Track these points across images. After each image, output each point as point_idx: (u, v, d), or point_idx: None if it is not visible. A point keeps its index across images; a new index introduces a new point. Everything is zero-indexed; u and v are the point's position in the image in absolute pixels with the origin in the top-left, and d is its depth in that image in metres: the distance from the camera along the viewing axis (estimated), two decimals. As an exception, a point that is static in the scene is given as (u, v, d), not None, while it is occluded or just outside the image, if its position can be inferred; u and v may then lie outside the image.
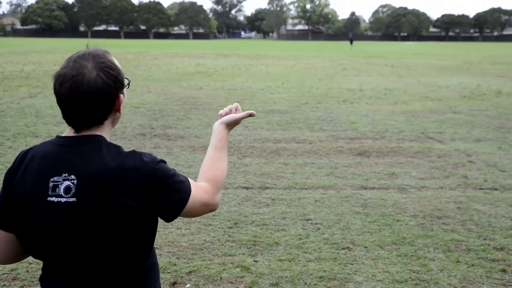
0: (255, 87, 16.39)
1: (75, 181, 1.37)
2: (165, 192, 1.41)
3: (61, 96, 1.39)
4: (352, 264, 3.98)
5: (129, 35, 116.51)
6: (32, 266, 3.82)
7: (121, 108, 1.48)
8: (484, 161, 7.25)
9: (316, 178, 6.30)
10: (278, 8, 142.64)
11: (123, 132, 8.84)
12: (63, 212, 1.37)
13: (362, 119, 10.63)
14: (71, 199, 1.36)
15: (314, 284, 3.67)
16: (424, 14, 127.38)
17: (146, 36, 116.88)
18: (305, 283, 3.67)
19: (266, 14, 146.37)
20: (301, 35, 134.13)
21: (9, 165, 1.67)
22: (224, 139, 1.69)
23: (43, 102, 12.06)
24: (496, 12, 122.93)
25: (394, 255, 4.14)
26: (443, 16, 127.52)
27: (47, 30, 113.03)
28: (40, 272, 3.91)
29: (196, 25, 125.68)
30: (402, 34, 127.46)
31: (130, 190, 1.36)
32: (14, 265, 3.76)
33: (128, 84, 1.52)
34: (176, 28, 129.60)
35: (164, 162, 1.46)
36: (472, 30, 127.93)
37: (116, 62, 1.47)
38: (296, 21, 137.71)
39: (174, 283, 3.65)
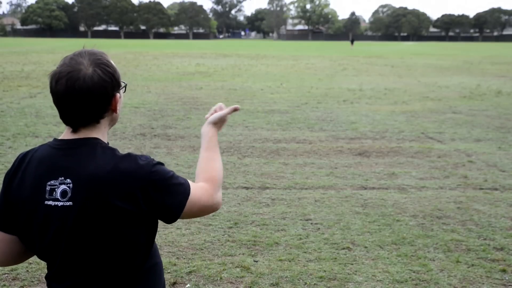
0: (255, 87, 16.39)
1: (71, 185, 1.36)
2: (161, 195, 1.39)
3: (58, 93, 1.38)
4: (352, 264, 3.98)
5: (129, 35, 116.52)
6: (32, 266, 3.81)
7: (118, 108, 1.47)
8: (484, 161, 7.25)
9: (316, 178, 6.30)
10: (278, 8, 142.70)
11: (123, 132, 8.83)
12: (60, 216, 1.37)
13: (362, 119, 10.63)
14: (68, 203, 1.36)
15: (314, 284, 3.67)
16: (424, 14, 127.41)
17: (146, 36, 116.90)
18: (305, 283, 3.67)
19: (266, 14, 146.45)
20: (301, 35, 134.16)
21: (9, 165, 1.68)
22: (213, 139, 1.67)
23: (43, 102, 12.06)
24: (496, 12, 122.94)
25: (394, 255, 4.14)
26: (443, 16, 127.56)
27: (47, 30, 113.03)
28: (40, 272, 3.92)
29: (196, 25, 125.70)
30: (402, 34, 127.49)
31: (125, 193, 1.35)
32: (14, 265, 3.76)
33: (125, 87, 1.51)
34: (176, 28, 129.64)
35: (162, 164, 1.44)
36: (472, 30, 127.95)
37: (112, 62, 1.47)
38: (296, 21, 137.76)
39: (174, 283, 3.65)
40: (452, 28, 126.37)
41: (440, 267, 3.94)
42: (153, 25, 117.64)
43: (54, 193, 1.37)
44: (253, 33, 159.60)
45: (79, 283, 1.41)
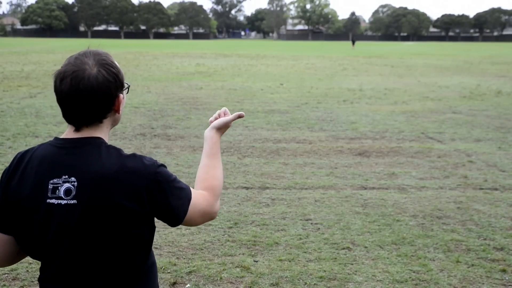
0: (255, 87, 16.39)
1: (76, 183, 1.36)
2: (165, 196, 1.41)
3: (62, 92, 1.38)
4: (352, 264, 3.98)
5: (129, 35, 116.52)
6: (32, 266, 3.82)
7: (121, 109, 1.48)
8: (484, 161, 7.25)
9: (316, 178, 6.30)
10: (278, 8, 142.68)
11: (123, 132, 8.83)
12: (63, 214, 1.36)
13: (362, 119, 10.63)
14: (72, 201, 1.36)
15: (314, 284, 3.67)
16: (424, 14, 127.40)
17: (146, 36, 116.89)
18: (305, 283, 3.67)
19: (266, 14, 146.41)
20: (301, 35, 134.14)
21: (9, 165, 1.68)
22: (217, 145, 1.68)
23: (43, 102, 12.06)
24: (496, 12, 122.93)
25: (394, 255, 4.14)
26: (443, 16, 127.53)
27: (47, 30, 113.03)
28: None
29: (196, 25, 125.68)
30: (402, 34, 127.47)
31: (131, 192, 1.36)
32: (14, 265, 3.76)
33: (128, 88, 1.52)
34: (176, 28, 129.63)
35: (165, 166, 1.46)
36: (472, 30, 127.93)
37: (117, 63, 1.47)
38: (296, 21, 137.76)
39: (174, 283, 3.65)
40: (452, 28, 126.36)
41: (440, 267, 3.94)
42: (153, 25, 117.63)
43: (57, 191, 1.37)
44: (253, 33, 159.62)
45: (79, 283, 1.41)
